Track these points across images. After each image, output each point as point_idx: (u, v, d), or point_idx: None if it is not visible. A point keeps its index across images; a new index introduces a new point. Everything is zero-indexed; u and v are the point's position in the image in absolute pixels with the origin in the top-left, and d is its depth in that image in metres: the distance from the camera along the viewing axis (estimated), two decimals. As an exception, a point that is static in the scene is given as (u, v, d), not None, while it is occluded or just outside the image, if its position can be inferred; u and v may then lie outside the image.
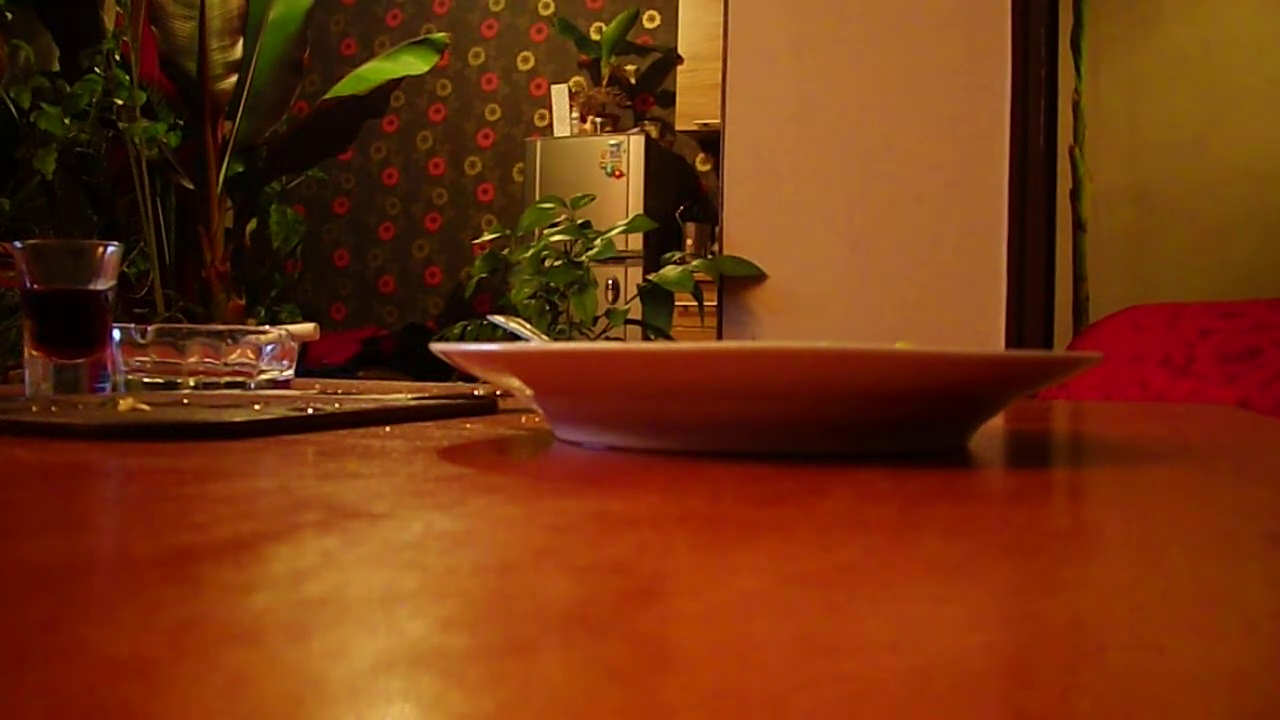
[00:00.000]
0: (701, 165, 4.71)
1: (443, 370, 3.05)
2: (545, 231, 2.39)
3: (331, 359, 4.28)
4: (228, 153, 3.27)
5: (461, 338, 2.51)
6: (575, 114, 4.66)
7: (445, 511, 0.28)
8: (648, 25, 4.81)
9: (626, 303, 3.30)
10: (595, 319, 2.37)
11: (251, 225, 3.81)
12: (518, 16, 5.02)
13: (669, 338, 2.43)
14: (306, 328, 0.92)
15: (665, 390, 0.40)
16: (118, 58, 3.07)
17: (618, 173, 4.36)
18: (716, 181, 2.67)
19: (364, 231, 5.28)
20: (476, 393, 0.75)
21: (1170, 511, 0.31)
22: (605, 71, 4.71)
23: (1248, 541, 0.26)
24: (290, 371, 0.86)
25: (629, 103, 4.79)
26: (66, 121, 2.97)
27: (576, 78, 4.81)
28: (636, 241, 4.15)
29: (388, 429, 0.53)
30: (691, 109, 4.40)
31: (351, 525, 0.25)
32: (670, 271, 2.31)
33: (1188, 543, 0.26)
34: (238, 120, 3.31)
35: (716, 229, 2.45)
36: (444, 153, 5.13)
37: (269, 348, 0.83)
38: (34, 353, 0.74)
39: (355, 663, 0.14)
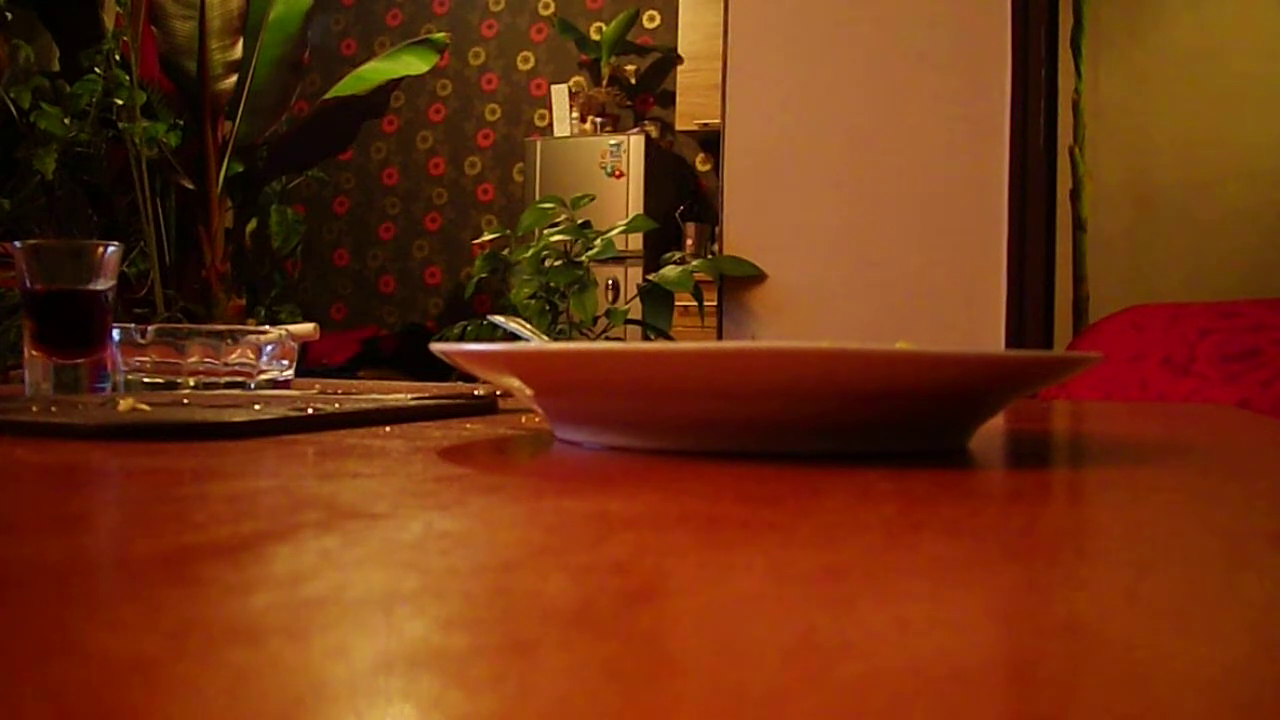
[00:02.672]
0: (701, 165, 4.71)
1: (443, 370, 3.05)
2: (545, 231, 2.39)
3: (331, 359, 4.28)
4: (228, 153, 3.27)
5: (461, 338, 2.51)
6: (575, 114, 4.66)
7: (445, 511, 0.28)
8: (648, 25, 4.81)
9: (626, 303, 3.30)
10: (595, 319, 2.37)
11: (251, 225, 3.81)
12: (518, 16, 5.02)
13: (669, 338, 2.43)
14: (306, 328, 0.92)
15: (665, 390, 0.40)
16: (118, 58, 3.07)
17: (618, 173, 4.36)
18: (716, 181, 2.67)
19: (364, 231, 5.28)
20: (476, 393, 0.75)
21: (1170, 511, 0.31)
22: (605, 71, 4.71)
23: (1248, 541, 0.26)
24: (290, 371, 0.86)
25: (629, 103, 4.79)
26: (66, 121, 2.97)
27: (576, 78, 4.81)
28: (636, 241, 4.15)
29: (388, 429, 0.53)
30: (691, 109, 4.41)
31: (351, 525, 0.25)
32: (670, 271, 2.31)
33: (1188, 542, 0.26)
34: (238, 120, 3.31)
35: (716, 229, 2.45)
36: (444, 153, 5.13)
37: (269, 348, 0.83)
38: (34, 353, 0.74)
39: (355, 663, 0.14)
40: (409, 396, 0.67)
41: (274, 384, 0.84)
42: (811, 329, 2.27)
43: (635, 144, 4.36)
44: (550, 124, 4.81)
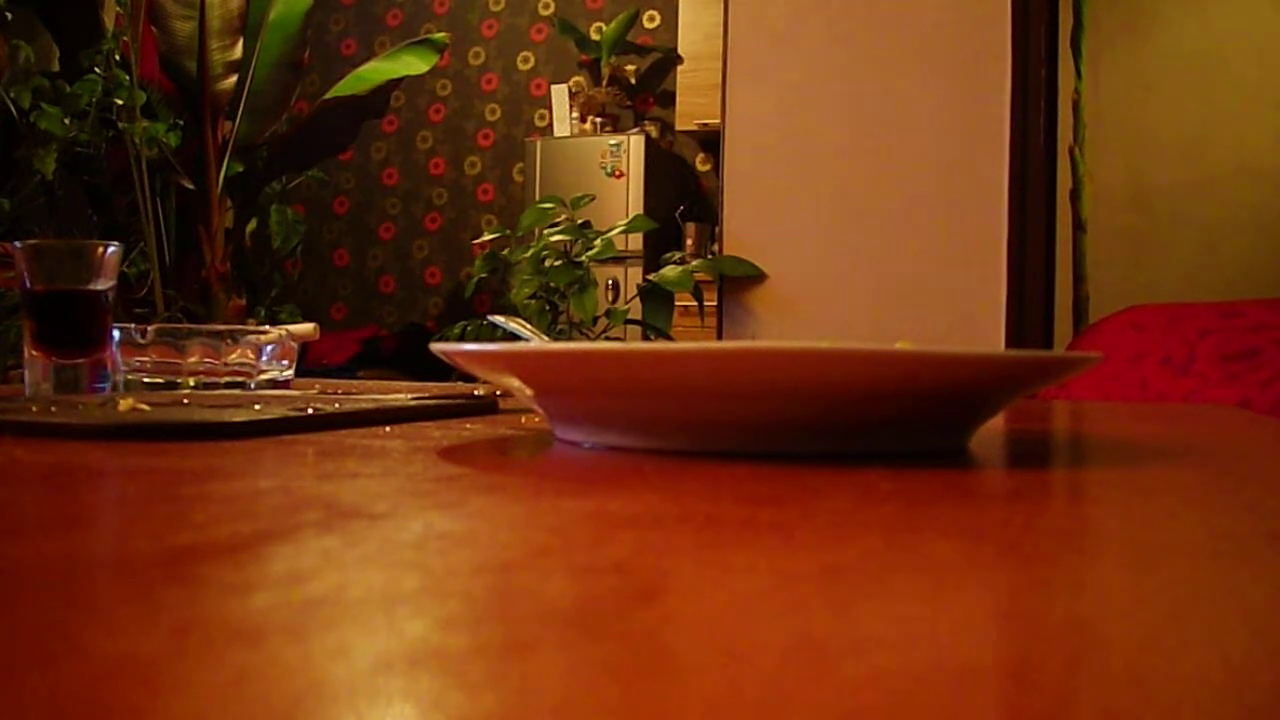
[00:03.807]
0: (701, 165, 4.71)
1: (443, 370, 3.05)
2: (545, 231, 2.39)
3: (331, 359, 4.28)
4: (228, 153, 3.27)
5: (461, 338, 2.51)
6: (575, 114, 4.65)
7: (445, 511, 0.28)
8: (648, 25, 4.81)
9: (626, 303, 3.30)
10: (595, 319, 2.37)
11: (251, 225, 3.81)
12: (518, 16, 5.02)
13: (669, 338, 2.43)
14: (306, 328, 0.92)
15: (665, 390, 0.40)
16: (118, 58, 3.07)
17: (618, 173, 4.35)
18: (716, 181, 2.67)
19: (364, 231, 5.28)
20: (476, 393, 0.75)
21: (1170, 511, 0.31)
22: (605, 71, 4.71)
23: (1248, 541, 0.26)
24: (290, 371, 0.86)
25: (629, 103, 4.79)
26: (66, 121, 2.97)
27: (576, 78, 4.81)
28: (636, 241, 4.15)
29: (388, 429, 0.53)
30: (691, 109, 4.40)
31: (351, 525, 0.25)
32: (670, 271, 2.31)
33: (1188, 543, 0.26)
34: (238, 120, 3.31)
35: (716, 229, 2.45)
36: (444, 153, 5.13)
37: (269, 348, 0.83)
38: (34, 353, 0.74)
39: (355, 663, 0.14)
40: (409, 396, 0.67)
41: (274, 384, 0.84)
42: (811, 329, 2.27)
43: (635, 144, 4.36)
44: (550, 124, 4.81)
